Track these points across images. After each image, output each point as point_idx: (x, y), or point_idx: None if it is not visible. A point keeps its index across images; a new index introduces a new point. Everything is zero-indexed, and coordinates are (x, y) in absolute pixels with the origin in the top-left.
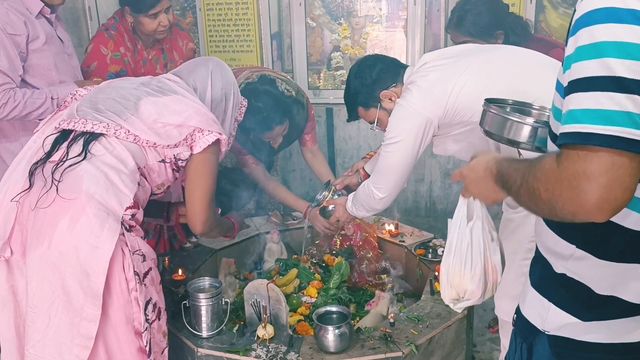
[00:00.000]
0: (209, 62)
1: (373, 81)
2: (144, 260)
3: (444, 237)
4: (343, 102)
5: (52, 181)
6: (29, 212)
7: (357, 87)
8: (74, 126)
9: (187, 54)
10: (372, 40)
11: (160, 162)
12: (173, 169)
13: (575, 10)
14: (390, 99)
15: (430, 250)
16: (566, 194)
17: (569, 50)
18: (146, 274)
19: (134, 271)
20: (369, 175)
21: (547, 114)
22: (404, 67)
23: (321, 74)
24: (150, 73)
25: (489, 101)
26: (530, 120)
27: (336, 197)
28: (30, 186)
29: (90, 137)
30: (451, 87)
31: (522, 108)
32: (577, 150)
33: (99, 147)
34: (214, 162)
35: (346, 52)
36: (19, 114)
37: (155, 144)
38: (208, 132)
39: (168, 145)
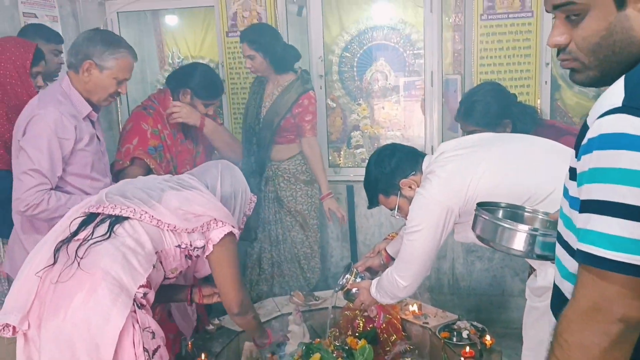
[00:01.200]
0: (219, 164)
1: (392, 170)
2: (154, 337)
3: (469, 318)
4: (362, 179)
5: (75, 257)
6: (49, 286)
7: (377, 175)
8: (102, 210)
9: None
10: (390, 119)
11: (176, 247)
12: (186, 256)
13: (589, 121)
14: (410, 187)
15: (455, 333)
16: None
17: (583, 166)
18: (155, 351)
19: (144, 347)
20: (391, 257)
21: (540, 217)
22: (422, 155)
23: (341, 152)
24: (185, 152)
25: (481, 205)
26: (523, 227)
27: (359, 279)
28: (55, 262)
29: (116, 220)
30: (470, 178)
31: (516, 211)
32: (593, 274)
33: (122, 230)
34: (233, 251)
35: (365, 131)
36: (48, 216)
37: (175, 227)
38: (222, 223)
39: (186, 229)
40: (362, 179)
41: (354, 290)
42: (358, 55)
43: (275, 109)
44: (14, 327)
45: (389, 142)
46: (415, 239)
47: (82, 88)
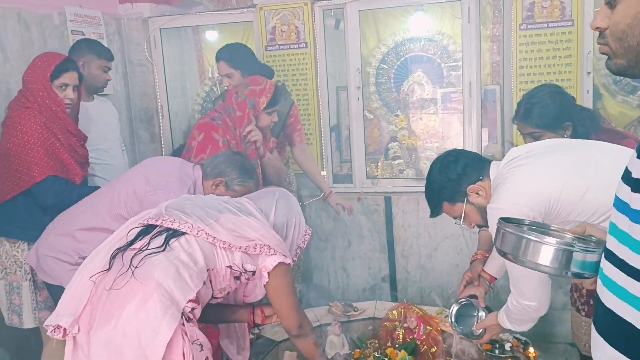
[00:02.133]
0: (277, 191)
1: (459, 176)
2: (202, 349)
3: (511, 331)
4: (400, 190)
5: (130, 266)
6: (102, 292)
7: (442, 182)
8: (161, 222)
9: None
10: (428, 130)
11: (227, 267)
12: (235, 277)
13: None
14: (477, 193)
15: (498, 345)
16: None
17: (636, 204)
18: None
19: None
20: (494, 277)
21: (567, 236)
22: (488, 161)
23: (379, 164)
24: None
25: (505, 220)
26: (563, 242)
27: (482, 314)
28: (109, 268)
29: (173, 234)
30: (548, 184)
31: (541, 229)
32: None
33: (177, 244)
34: (290, 279)
35: (403, 142)
36: None
37: (230, 244)
38: (274, 251)
39: (239, 247)
40: (400, 190)
41: (480, 330)
42: (395, 66)
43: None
44: (64, 330)
45: (427, 153)
46: None
47: (207, 194)
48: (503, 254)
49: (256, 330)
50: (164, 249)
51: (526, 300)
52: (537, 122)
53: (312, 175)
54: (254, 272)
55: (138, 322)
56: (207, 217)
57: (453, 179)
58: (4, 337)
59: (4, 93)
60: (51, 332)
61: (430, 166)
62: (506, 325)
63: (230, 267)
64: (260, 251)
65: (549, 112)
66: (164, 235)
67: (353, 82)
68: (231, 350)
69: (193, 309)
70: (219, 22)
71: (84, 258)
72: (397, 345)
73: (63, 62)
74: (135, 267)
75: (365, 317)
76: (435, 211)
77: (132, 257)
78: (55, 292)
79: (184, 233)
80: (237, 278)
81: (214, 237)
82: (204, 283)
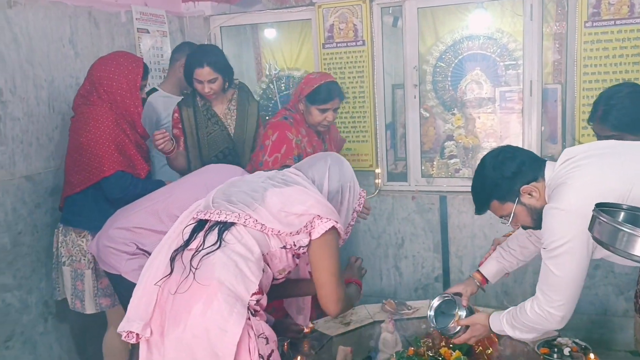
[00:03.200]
0: (328, 157)
1: (514, 174)
2: (267, 342)
3: (570, 335)
4: (456, 190)
5: (190, 268)
6: (168, 296)
7: (495, 179)
8: (210, 216)
9: (339, 144)
10: (486, 129)
11: (281, 248)
12: (293, 255)
13: None
14: (530, 194)
15: (556, 349)
16: None
17: None
18: (269, 356)
19: (259, 354)
20: (486, 279)
21: None
22: (543, 161)
23: (434, 162)
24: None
25: (599, 206)
26: None
27: (462, 313)
28: (171, 272)
29: (224, 227)
30: (614, 185)
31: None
32: None
33: (231, 236)
34: (334, 245)
35: (460, 141)
36: None
37: (279, 231)
38: (326, 219)
39: (290, 233)
40: (456, 189)
41: (457, 327)
42: (453, 64)
43: (243, 125)
44: (137, 334)
45: (484, 153)
46: (565, 260)
47: None
48: (599, 242)
49: (310, 324)
50: (219, 245)
51: (555, 310)
52: (616, 124)
53: None
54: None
55: (205, 322)
56: (253, 201)
57: (508, 177)
58: (70, 321)
59: (74, 87)
60: (125, 337)
61: (482, 161)
62: (503, 329)
63: (284, 247)
64: (312, 226)
65: (628, 115)
66: (216, 230)
67: (410, 80)
68: (292, 309)
69: (258, 300)
70: (277, 20)
71: (141, 248)
72: (451, 345)
73: (145, 66)
74: (196, 269)
75: (419, 315)
76: (481, 209)
77: (191, 259)
78: (115, 281)
79: (233, 223)
80: (296, 256)
81: (263, 225)
82: (263, 270)
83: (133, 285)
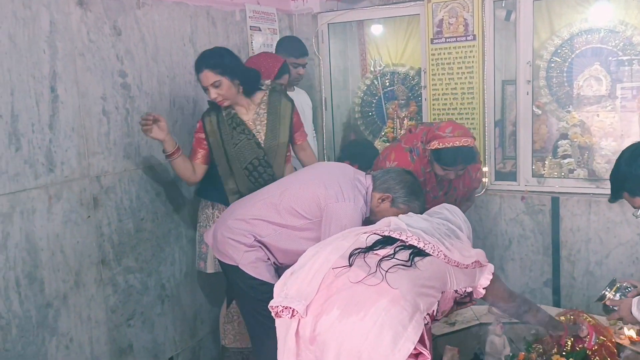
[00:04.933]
0: (453, 210)
1: None
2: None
3: None
4: (570, 191)
5: (380, 269)
6: (343, 284)
7: (625, 173)
8: (405, 238)
9: (472, 185)
10: (604, 128)
11: (454, 291)
12: (455, 301)
13: None
14: None
15: None
16: None
17: None
18: None
19: None
20: None
21: None
22: None
23: (546, 162)
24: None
25: None
26: None
27: (618, 295)
28: (350, 265)
29: (417, 252)
30: None
31: None
32: None
33: (422, 264)
34: (503, 284)
35: (575, 140)
36: None
37: (458, 263)
38: (484, 263)
39: (465, 265)
40: (570, 190)
41: (611, 306)
42: (569, 59)
43: (275, 130)
44: (293, 311)
45: (602, 153)
46: None
47: (373, 205)
48: None
49: None
50: (410, 265)
51: None
52: None
53: None
54: (471, 294)
55: (387, 317)
56: (443, 238)
57: (637, 174)
58: (183, 305)
59: (192, 84)
60: (280, 311)
61: (621, 153)
62: (633, 310)
63: (456, 291)
64: (474, 267)
65: None
66: (408, 252)
67: (522, 75)
68: None
69: (426, 323)
70: (385, 16)
71: (259, 240)
72: (564, 353)
73: (283, 66)
74: (386, 272)
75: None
76: (615, 197)
77: (380, 262)
78: (229, 271)
79: (428, 254)
80: (459, 303)
81: (448, 257)
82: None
83: (248, 276)
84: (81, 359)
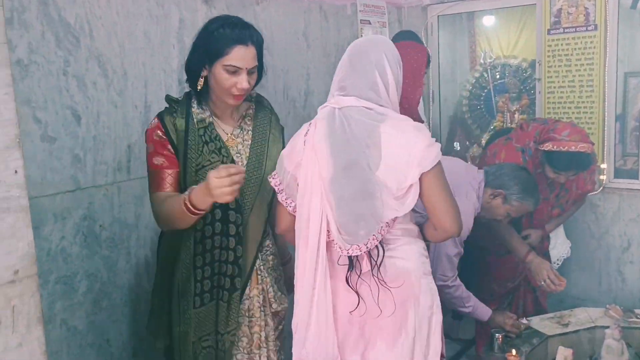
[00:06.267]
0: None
1: None
2: None
3: None
4: None
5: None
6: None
7: None
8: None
9: (586, 187)
10: None
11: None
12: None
13: None
14: None
15: None
16: None
17: None
18: None
19: None
20: None
21: None
22: None
23: None
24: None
25: None
26: None
27: None
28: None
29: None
30: None
31: None
32: None
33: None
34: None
35: None
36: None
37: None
38: None
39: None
40: None
41: None
42: None
43: (262, 156)
44: None
45: None
46: None
47: (484, 201)
48: None
49: (525, 321)
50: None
51: None
52: None
53: None
54: None
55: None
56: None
57: None
58: None
59: (304, 77)
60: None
61: None
62: None
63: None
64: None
65: None
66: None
67: None
68: None
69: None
70: (498, 6)
71: None
72: None
73: (428, 55)
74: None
75: None
76: None
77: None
78: None
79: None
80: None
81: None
82: None
83: None
84: None
